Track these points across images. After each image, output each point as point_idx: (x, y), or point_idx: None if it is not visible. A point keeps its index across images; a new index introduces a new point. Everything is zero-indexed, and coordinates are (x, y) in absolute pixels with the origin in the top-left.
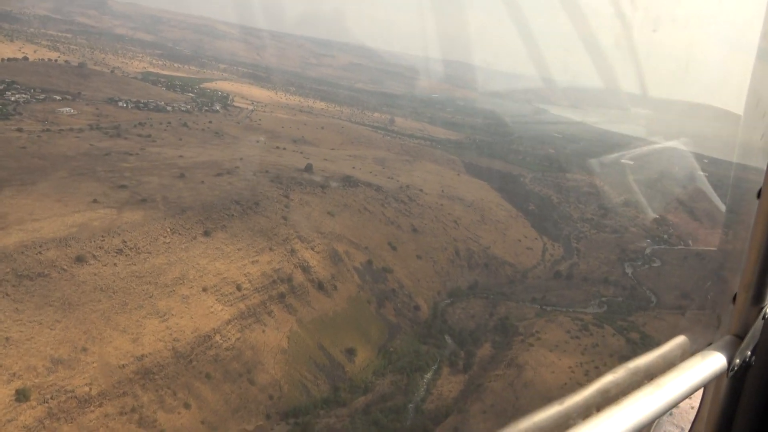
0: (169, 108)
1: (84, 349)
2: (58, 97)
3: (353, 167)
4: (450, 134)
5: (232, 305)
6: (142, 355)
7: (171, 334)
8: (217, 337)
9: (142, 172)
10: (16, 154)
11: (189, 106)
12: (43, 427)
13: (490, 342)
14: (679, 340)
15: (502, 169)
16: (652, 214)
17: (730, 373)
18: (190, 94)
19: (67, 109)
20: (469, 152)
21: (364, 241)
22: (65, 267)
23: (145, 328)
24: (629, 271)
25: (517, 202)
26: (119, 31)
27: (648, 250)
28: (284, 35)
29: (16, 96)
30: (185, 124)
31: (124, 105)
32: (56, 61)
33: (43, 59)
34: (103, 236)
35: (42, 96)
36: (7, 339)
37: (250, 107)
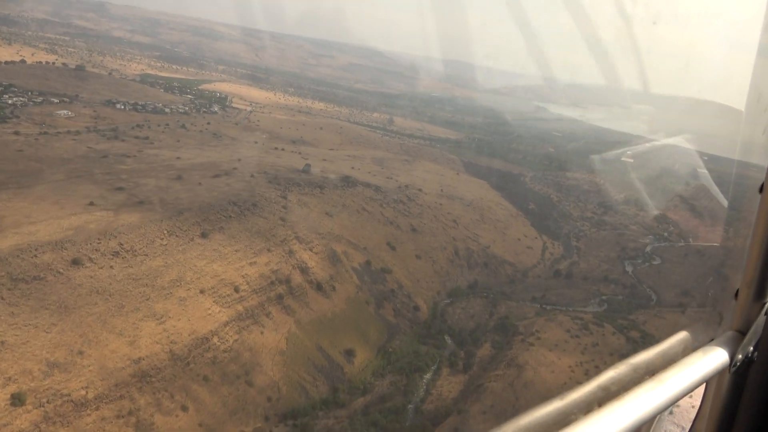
0: (167, 110)
1: (80, 353)
2: (55, 100)
3: (352, 167)
4: (449, 133)
5: (229, 307)
6: (139, 358)
7: (168, 337)
8: (215, 339)
9: (139, 174)
10: (12, 157)
11: (187, 108)
12: (39, 431)
13: (490, 342)
14: (681, 336)
15: (502, 168)
16: (653, 212)
17: (733, 369)
18: (189, 96)
19: (65, 111)
20: (468, 151)
21: (363, 242)
22: (61, 270)
23: (141, 331)
24: (629, 269)
25: (517, 201)
26: (117, 34)
27: (648, 248)
28: (283, 36)
29: (14, 99)
30: (183, 126)
31: (122, 107)
32: (54, 63)
33: (40, 62)
34: (99, 239)
35: (39, 99)
36: (2, 343)
37: (249, 108)
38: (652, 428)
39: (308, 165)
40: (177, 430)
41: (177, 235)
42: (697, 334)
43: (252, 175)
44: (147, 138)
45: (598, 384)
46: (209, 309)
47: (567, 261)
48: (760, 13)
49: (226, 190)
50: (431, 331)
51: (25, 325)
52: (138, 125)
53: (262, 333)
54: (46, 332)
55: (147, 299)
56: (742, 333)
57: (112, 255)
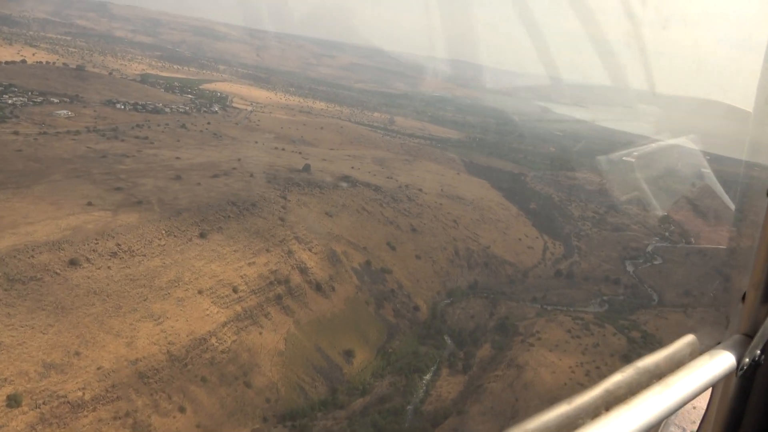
0: (167, 110)
1: (77, 354)
2: (55, 100)
3: (352, 167)
4: (451, 133)
5: (228, 307)
6: (137, 359)
7: (166, 338)
8: (213, 340)
9: (138, 174)
10: (11, 158)
11: (187, 108)
12: None
13: (490, 342)
14: (688, 339)
15: (503, 167)
16: (657, 212)
17: (739, 373)
18: (189, 96)
19: (65, 111)
20: (469, 151)
21: (363, 242)
22: (58, 270)
23: (139, 332)
24: (631, 269)
25: (518, 200)
26: (118, 34)
27: (650, 248)
28: (284, 36)
29: (14, 99)
30: (183, 126)
31: (122, 107)
32: (54, 63)
33: (41, 62)
34: (97, 239)
35: (39, 99)
36: None
37: (249, 108)
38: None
39: (308, 165)
40: (175, 431)
41: (175, 236)
42: (704, 337)
43: (251, 175)
44: (147, 138)
45: (605, 388)
46: (207, 309)
47: (568, 261)
48: None
49: (225, 190)
50: (431, 332)
51: (22, 326)
52: (138, 125)
53: (260, 334)
54: (43, 333)
55: (144, 300)
56: (750, 336)
57: (110, 255)
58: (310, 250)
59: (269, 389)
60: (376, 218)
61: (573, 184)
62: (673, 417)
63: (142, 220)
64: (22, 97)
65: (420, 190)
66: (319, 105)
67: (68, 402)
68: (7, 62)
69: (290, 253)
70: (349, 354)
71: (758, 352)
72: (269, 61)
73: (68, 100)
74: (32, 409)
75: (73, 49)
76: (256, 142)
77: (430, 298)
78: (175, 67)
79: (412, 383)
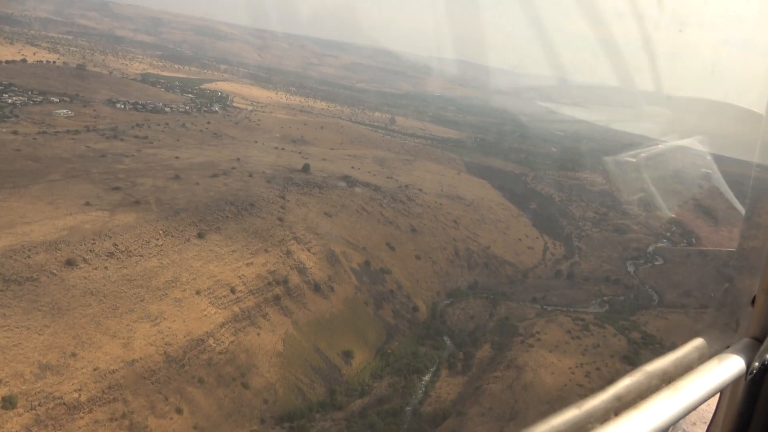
0: (167, 109)
1: (73, 355)
2: (55, 99)
3: (352, 167)
4: (451, 133)
5: (225, 308)
6: (133, 360)
7: (163, 338)
8: (211, 341)
9: (136, 174)
10: (9, 157)
11: (188, 107)
12: None
13: (490, 343)
14: (697, 342)
15: (504, 167)
16: (664, 213)
17: (749, 377)
18: (190, 95)
19: (64, 111)
20: (470, 151)
21: (362, 242)
22: (55, 271)
23: (136, 333)
24: (631, 269)
25: (519, 200)
26: (120, 33)
27: (650, 249)
28: (286, 36)
29: (13, 98)
30: (183, 125)
31: (122, 106)
32: (55, 63)
33: (41, 61)
34: (94, 239)
35: (39, 98)
36: None
37: (250, 108)
38: None
39: (308, 164)
40: None
41: (173, 236)
42: (713, 341)
43: (250, 175)
44: (146, 137)
45: (615, 392)
46: (205, 310)
47: (568, 261)
48: None
49: (224, 190)
50: (430, 332)
51: (17, 327)
52: (138, 124)
53: (258, 334)
54: (39, 334)
55: (141, 300)
56: (759, 340)
57: (107, 256)
58: (308, 251)
59: (267, 390)
60: (376, 218)
61: (574, 184)
62: (681, 421)
63: (139, 220)
64: (22, 96)
65: (420, 190)
66: (320, 104)
67: (64, 403)
68: (7, 61)
69: (289, 253)
70: (347, 355)
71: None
72: (271, 61)
73: (68, 99)
74: (27, 411)
75: (74, 49)
76: (256, 142)
77: (429, 299)
78: (176, 66)
79: (411, 384)
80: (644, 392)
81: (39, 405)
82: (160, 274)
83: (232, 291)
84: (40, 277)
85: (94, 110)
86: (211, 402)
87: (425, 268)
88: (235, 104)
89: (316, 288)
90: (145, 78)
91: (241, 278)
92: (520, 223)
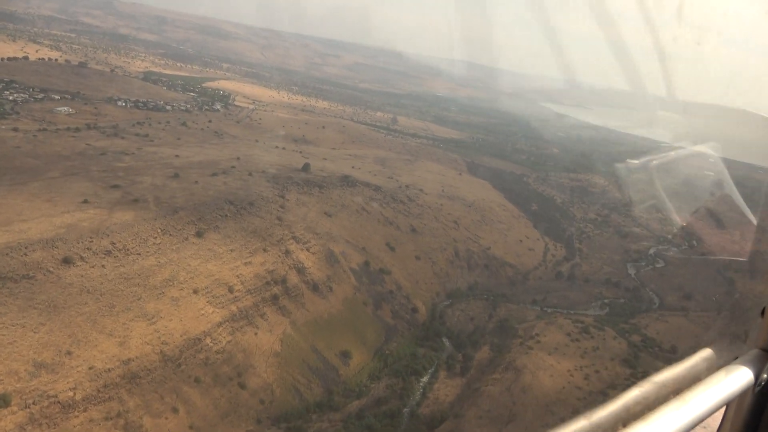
0: (168, 107)
1: (68, 353)
2: (56, 97)
3: (353, 167)
4: (453, 133)
5: (223, 307)
6: (129, 359)
7: (159, 337)
8: (208, 340)
9: (136, 172)
10: (9, 154)
11: (189, 106)
12: None
13: (489, 345)
14: (705, 353)
15: (505, 168)
16: (676, 221)
17: (757, 389)
18: (191, 94)
19: (65, 108)
20: (471, 151)
21: (362, 242)
22: (51, 269)
23: (132, 331)
24: (632, 272)
25: (520, 202)
26: (123, 31)
27: (652, 250)
28: (291, 35)
29: (15, 95)
30: (184, 124)
31: (123, 104)
32: (57, 60)
33: (43, 58)
34: (91, 237)
35: (40, 95)
36: None
37: (252, 106)
38: None
39: (308, 164)
40: None
41: (171, 234)
42: (722, 351)
43: (250, 174)
44: (147, 135)
45: (623, 403)
46: (202, 309)
47: (569, 263)
48: None
49: (223, 189)
50: (429, 333)
51: (12, 325)
52: (139, 122)
53: (256, 334)
54: (34, 332)
55: (138, 299)
56: None
57: (104, 254)
58: (307, 250)
59: (264, 390)
60: (376, 218)
61: (575, 185)
62: None
63: (138, 218)
64: (24, 93)
65: (421, 190)
66: (322, 104)
67: (59, 402)
68: (9, 58)
69: (287, 252)
70: (345, 355)
71: None
72: (274, 60)
73: (69, 97)
74: (21, 409)
75: (77, 46)
76: (257, 141)
77: (429, 300)
78: (178, 64)
79: (409, 386)
80: (653, 403)
81: (33, 403)
82: (157, 272)
83: (230, 290)
84: (36, 274)
85: (95, 108)
86: (207, 402)
87: (425, 269)
88: (236, 103)
89: (315, 288)
90: (147, 76)
91: (239, 277)
92: (521, 225)
